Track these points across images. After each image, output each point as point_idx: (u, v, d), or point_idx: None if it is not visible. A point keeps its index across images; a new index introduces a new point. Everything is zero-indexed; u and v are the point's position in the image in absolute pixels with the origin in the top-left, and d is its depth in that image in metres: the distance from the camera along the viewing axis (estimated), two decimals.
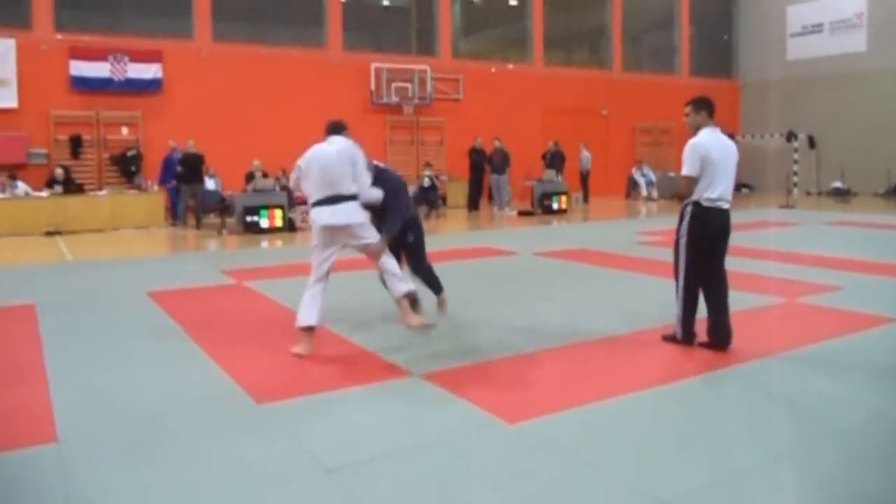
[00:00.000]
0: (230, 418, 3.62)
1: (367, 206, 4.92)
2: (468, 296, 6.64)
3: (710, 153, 4.64)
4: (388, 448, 3.23)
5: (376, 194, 4.97)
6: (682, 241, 4.75)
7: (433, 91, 18.31)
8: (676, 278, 4.83)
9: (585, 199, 18.34)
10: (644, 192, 19.64)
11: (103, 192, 13.60)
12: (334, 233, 4.75)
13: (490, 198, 17.23)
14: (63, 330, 5.54)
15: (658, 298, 6.02)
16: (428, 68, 18.29)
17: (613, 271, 7.98)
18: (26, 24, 14.40)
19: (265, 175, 13.78)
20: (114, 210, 13.21)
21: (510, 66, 20.21)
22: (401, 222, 5.11)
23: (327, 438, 3.35)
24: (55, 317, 5.96)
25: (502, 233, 12.63)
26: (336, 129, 5.00)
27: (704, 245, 4.73)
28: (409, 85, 17.93)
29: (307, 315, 4.72)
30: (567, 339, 5.07)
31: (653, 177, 19.98)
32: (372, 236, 4.84)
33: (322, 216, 4.72)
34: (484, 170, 16.97)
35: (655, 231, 11.53)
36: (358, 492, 2.82)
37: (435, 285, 5.79)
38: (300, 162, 4.88)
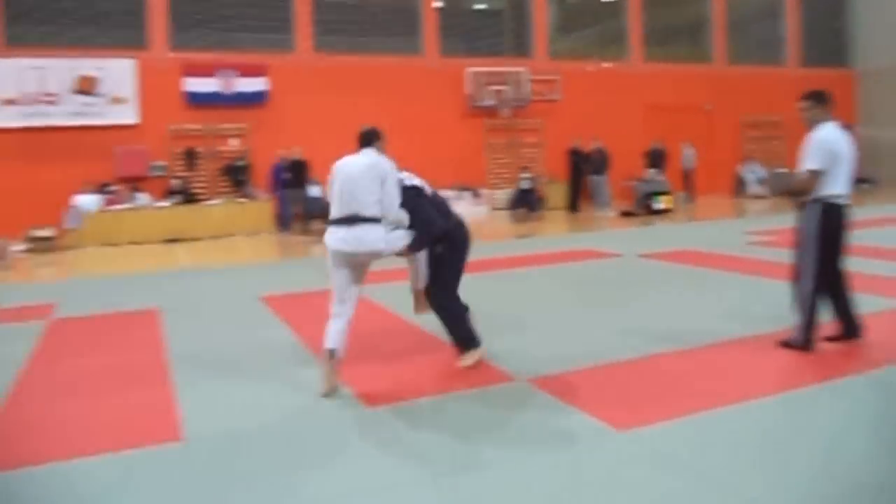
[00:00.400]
0: (341, 423, 3.72)
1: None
2: (571, 299, 6.54)
3: (837, 148, 4.45)
4: (495, 454, 3.22)
5: (404, 216, 4.26)
6: (811, 240, 4.53)
7: (530, 92, 18.20)
8: (798, 280, 4.60)
9: (690, 198, 17.76)
10: (752, 190, 18.82)
11: (216, 202, 14.30)
12: (348, 259, 4.17)
13: (590, 199, 16.96)
14: (184, 333, 5.84)
15: (771, 301, 5.75)
16: (524, 70, 18.21)
17: (723, 273, 7.68)
18: (144, 46, 15.33)
19: None
20: (226, 218, 13.86)
21: (608, 64, 19.84)
22: (423, 240, 4.38)
23: (435, 443, 3.38)
24: (176, 321, 6.30)
25: (604, 234, 12.40)
26: (368, 139, 4.35)
27: (832, 244, 4.52)
28: (505, 87, 17.91)
29: (330, 340, 4.17)
30: (677, 343, 4.91)
31: (762, 173, 19.12)
32: (399, 242, 4.26)
33: (332, 239, 4.13)
34: (583, 171, 16.72)
35: (766, 231, 11.02)
36: (465, 499, 2.83)
37: (456, 331, 4.57)
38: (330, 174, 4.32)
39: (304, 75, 16.28)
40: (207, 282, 8.61)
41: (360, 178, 4.09)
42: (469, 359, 4.54)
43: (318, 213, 13.85)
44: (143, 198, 13.82)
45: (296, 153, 14.26)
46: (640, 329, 5.36)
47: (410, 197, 4.31)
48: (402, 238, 4.26)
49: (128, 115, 14.97)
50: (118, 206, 13.52)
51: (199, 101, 15.44)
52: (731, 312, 5.80)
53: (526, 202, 15.48)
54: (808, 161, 4.47)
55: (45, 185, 13.76)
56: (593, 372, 4.38)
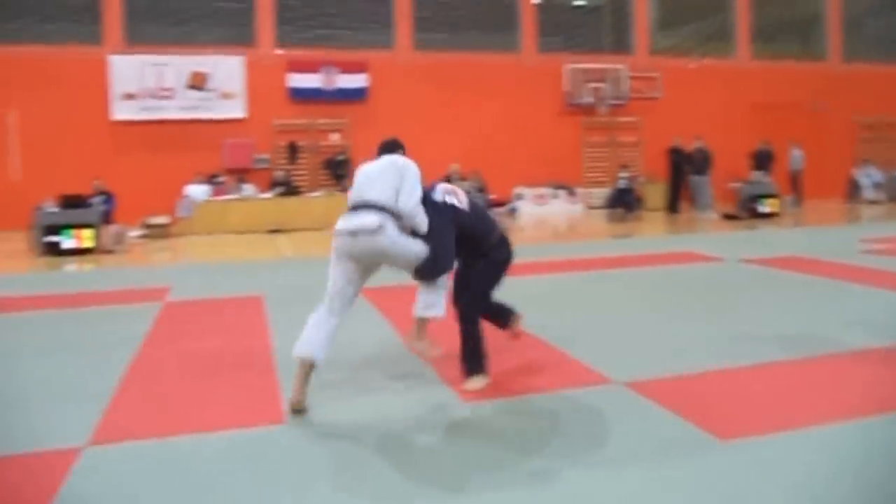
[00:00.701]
0: (440, 416, 3.77)
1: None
2: (670, 302, 6.39)
3: None
4: (591, 458, 3.19)
5: (422, 220, 3.83)
6: None
7: (629, 90, 17.85)
8: None
9: (797, 201, 16.96)
10: (868, 195, 17.80)
11: (317, 194, 14.74)
12: (349, 247, 3.77)
13: (690, 200, 16.48)
14: (286, 320, 6.04)
15: (888, 312, 5.43)
16: (623, 67, 17.87)
17: (835, 282, 7.31)
18: (252, 43, 15.96)
19: (462, 178, 14.19)
20: (326, 210, 14.23)
21: (712, 61, 19.19)
22: (431, 270, 3.93)
23: (536, 441, 3.38)
24: (279, 308, 6.53)
25: (705, 237, 12.02)
26: (389, 148, 4.13)
27: None
28: (603, 85, 17.62)
29: (308, 344, 3.81)
30: (784, 352, 4.72)
31: (879, 177, 18.05)
32: (407, 252, 3.80)
33: (338, 224, 3.83)
34: (684, 171, 16.25)
35: (883, 238, 10.41)
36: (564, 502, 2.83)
37: (473, 351, 4.11)
38: None
39: (404, 72, 16.54)
40: (307, 271, 8.87)
41: (380, 173, 3.85)
42: (476, 383, 4.10)
43: None
44: (248, 189, 14.42)
45: None
46: (747, 336, 5.17)
47: (440, 214, 3.91)
48: (413, 247, 3.81)
49: (236, 110, 15.63)
50: (225, 197, 14.16)
51: (302, 96, 15.96)
52: (847, 322, 5.50)
53: (623, 202, 15.21)
54: None
55: (161, 175, 14.57)
56: (695, 378, 4.26)
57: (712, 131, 17.01)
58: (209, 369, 4.69)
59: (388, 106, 16.23)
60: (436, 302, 4.22)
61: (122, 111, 15.13)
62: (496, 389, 4.11)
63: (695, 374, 4.32)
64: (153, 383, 4.42)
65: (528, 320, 4.85)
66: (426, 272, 3.93)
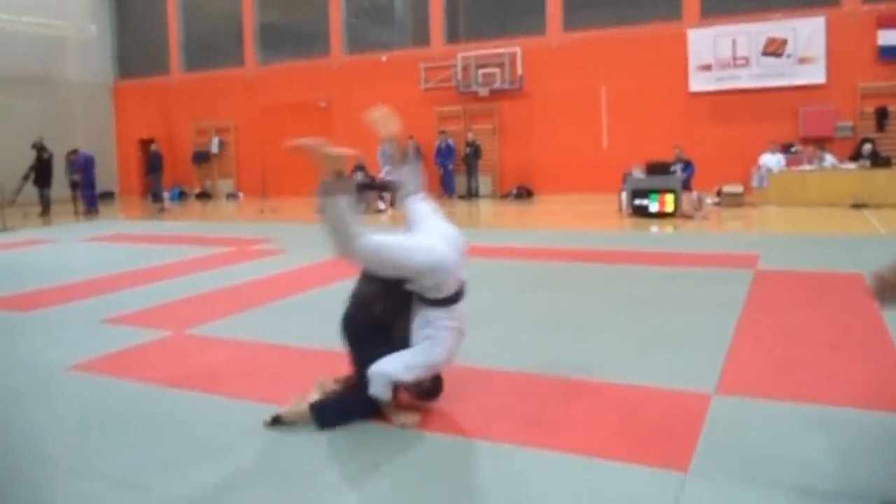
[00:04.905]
0: None
1: None
2: None
3: None
4: None
5: None
6: None
7: None
8: None
9: None
10: None
11: None
12: None
13: None
14: None
15: None
16: None
17: None
18: (835, 1, 14.68)
19: None
20: None
21: None
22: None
23: None
24: None
25: None
26: None
27: None
28: None
29: None
30: None
31: None
32: None
33: None
34: None
35: None
36: None
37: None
38: None
39: None
40: None
41: None
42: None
43: None
44: (828, 158, 13.46)
45: None
46: None
47: None
48: None
49: (816, 75, 14.69)
50: (802, 167, 13.51)
51: (894, 55, 14.09)
52: None
53: None
54: None
55: (734, 144, 14.71)
56: None
57: None
58: (821, 342, 4.59)
59: None
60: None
61: (697, 82, 15.67)
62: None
63: None
64: (765, 346, 4.54)
65: None
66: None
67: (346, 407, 3.40)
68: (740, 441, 3.11)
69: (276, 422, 3.35)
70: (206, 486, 2.87)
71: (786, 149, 14.07)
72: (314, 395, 3.49)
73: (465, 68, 17.69)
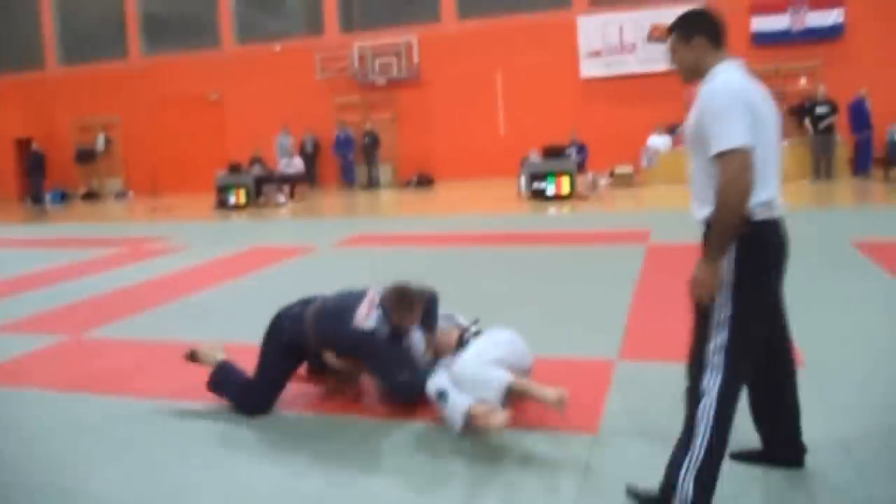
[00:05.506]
0: None
1: None
2: None
3: (758, 109, 2.27)
4: None
5: None
6: (727, 290, 2.45)
7: None
8: (700, 359, 2.59)
9: None
10: None
11: (783, 144, 13.81)
12: None
13: None
14: None
15: None
16: None
17: None
18: None
19: None
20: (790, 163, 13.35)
21: None
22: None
23: None
24: None
25: None
26: None
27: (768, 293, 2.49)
28: None
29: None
30: None
31: None
32: None
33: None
34: None
35: None
36: None
37: None
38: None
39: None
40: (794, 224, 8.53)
41: None
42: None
43: None
44: None
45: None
46: None
47: None
48: None
49: None
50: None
51: (766, 40, 15.07)
52: None
53: None
54: (722, 134, 2.20)
55: (624, 126, 15.31)
56: None
57: None
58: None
59: (867, 45, 14.34)
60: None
61: (588, 68, 16.22)
62: None
63: None
64: (660, 313, 4.81)
65: None
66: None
67: (241, 391, 3.49)
68: (643, 402, 3.32)
69: (192, 357, 3.67)
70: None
71: (671, 130, 14.77)
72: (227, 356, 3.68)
73: (362, 58, 17.58)
